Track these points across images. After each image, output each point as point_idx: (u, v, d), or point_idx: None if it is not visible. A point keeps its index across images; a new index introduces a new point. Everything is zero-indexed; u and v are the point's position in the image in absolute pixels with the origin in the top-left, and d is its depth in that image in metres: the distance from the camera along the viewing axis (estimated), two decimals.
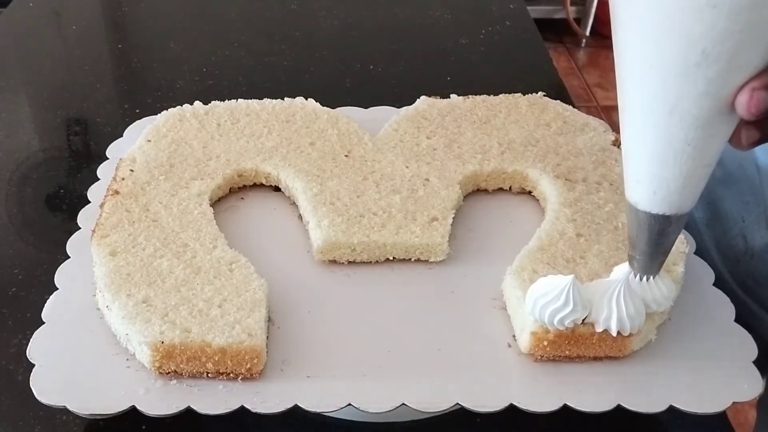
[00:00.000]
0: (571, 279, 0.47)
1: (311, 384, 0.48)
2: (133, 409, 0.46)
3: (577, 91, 2.42)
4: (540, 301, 0.48)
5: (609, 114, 2.30)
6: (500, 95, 0.73)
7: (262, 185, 0.65)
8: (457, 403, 0.47)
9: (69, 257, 0.57)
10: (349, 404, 0.46)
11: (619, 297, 0.47)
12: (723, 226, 0.67)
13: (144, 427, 0.51)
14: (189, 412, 0.46)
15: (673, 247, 0.47)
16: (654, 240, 0.44)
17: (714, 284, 0.56)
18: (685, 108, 0.38)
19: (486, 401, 0.47)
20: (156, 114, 0.70)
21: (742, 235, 0.64)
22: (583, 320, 0.48)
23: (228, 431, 0.53)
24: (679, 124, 0.39)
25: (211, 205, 0.60)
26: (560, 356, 0.49)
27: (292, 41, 1.02)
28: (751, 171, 0.63)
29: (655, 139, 0.40)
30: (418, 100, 0.72)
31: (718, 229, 0.68)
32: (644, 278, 0.48)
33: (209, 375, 0.48)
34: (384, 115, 0.71)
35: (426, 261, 0.57)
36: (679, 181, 0.41)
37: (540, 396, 0.47)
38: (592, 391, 0.48)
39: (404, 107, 0.72)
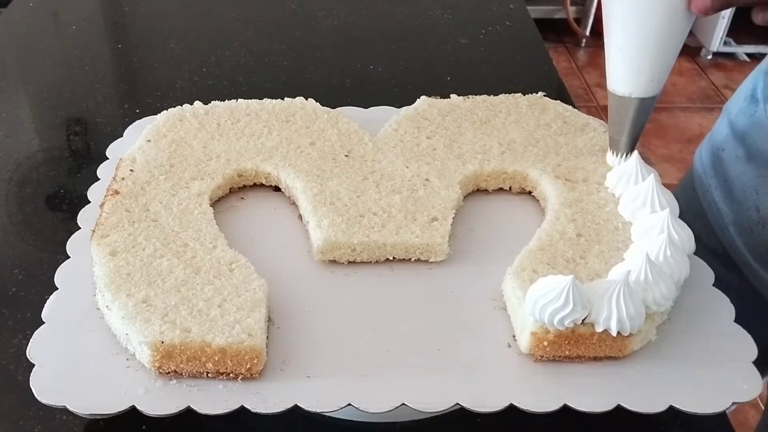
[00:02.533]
0: (571, 279, 0.47)
1: (311, 384, 0.48)
2: (133, 409, 0.46)
3: (577, 91, 2.42)
4: (540, 301, 0.48)
5: None
6: (500, 95, 0.73)
7: (262, 185, 0.65)
8: (457, 403, 0.47)
9: (69, 257, 0.57)
10: (349, 404, 0.46)
11: (619, 297, 0.47)
12: (739, 200, 0.71)
13: (144, 427, 0.51)
14: (189, 412, 0.46)
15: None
16: (631, 120, 0.59)
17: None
18: (650, 12, 0.53)
19: (486, 401, 0.47)
20: (156, 114, 0.70)
21: (756, 206, 0.68)
22: (583, 320, 0.48)
23: (228, 431, 0.53)
24: (646, 25, 0.54)
25: (211, 205, 0.60)
26: (560, 356, 0.49)
27: (292, 41, 1.02)
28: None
29: (626, 36, 0.55)
30: (418, 100, 0.72)
31: (734, 204, 0.72)
32: (624, 156, 0.61)
33: (209, 375, 0.48)
34: (384, 115, 0.71)
35: (426, 261, 0.57)
36: (648, 70, 0.56)
37: (540, 396, 0.47)
38: (592, 391, 0.48)
39: (404, 107, 0.72)
